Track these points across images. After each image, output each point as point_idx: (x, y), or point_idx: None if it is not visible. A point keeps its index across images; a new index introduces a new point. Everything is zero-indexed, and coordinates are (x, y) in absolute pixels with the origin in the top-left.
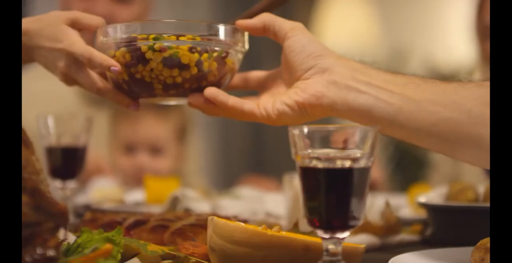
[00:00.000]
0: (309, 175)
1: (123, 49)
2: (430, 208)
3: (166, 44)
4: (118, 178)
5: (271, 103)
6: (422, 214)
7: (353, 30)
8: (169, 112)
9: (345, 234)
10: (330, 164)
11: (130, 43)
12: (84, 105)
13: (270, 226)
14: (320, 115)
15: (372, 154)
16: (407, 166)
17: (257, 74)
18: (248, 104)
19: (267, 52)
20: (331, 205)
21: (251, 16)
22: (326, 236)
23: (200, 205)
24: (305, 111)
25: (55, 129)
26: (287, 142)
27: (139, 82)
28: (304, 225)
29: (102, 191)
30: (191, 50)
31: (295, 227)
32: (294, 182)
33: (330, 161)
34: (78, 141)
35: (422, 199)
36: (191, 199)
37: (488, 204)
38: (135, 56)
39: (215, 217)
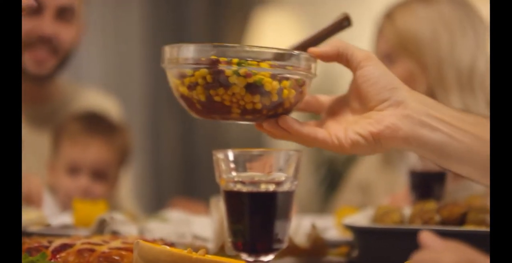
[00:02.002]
0: (233, 199)
1: (204, 70)
2: (355, 229)
3: (250, 69)
4: (57, 199)
5: (342, 132)
6: (349, 236)
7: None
8: (115, 136)
9: (269, 257)
10: (254, 188)
11: (212, 65)
12: (25, 125)
13: (196, 249)
14: (393, 147)
15: (296, 177)
16: (339, 188)
17: (320, 98)
18: (321, 132)
19: None
20: (255, 228)
21: (313, 42)
22: (251, 259)
23: (127, 228)
24: (379, 143)
25: None
26: None
27: (217, 104)
28: (230, 248)
29: (25, 213)
30: (273, 77)
31: (221, 250)
32: (221, 205)
33: (254, 185)
34: None
35: (348, 220)
36: (119, 222)
37: (412, 226)
38: (217, 79)
39: (141, 241)
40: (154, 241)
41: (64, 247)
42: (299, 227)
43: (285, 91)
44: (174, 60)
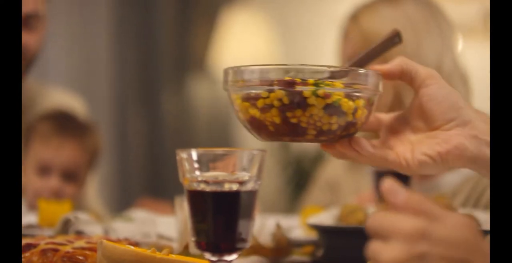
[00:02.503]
0: (196, 198)
1: (281, 91)
2: (320, 229)
3: (327, 90)
4: (25, 199)
5: (409, 153)
6: (314, 235)
7: (253, 52)
8: (87, 136)
9: (233, 256)
10: (217, 187)
11: (288, 86)
12: None
13: (161, 249)
14: (460, 167)
15: (259, 177)
16: (306, 187)
17: (379, 117)
18: (391, 155)
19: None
20: (218, 227)
21: (366, 59)
22: (214, 259)
23: (92, 228)
24: (446, 162)
25: None
26: None
27: (293, 126)
28: (194, 247)
29: None
30: (348, 96)
31: (185, 250)
32: (185, 205)
33: (218, 184)
34: None
35: (313, 220)
36: (83, 222)
37: None
38: (295, 101)
39: (104, 241)
40: (118, 240)
41: (28, 247)
42: (263, 226)
43: (359, 111)
44: (239, 82)
